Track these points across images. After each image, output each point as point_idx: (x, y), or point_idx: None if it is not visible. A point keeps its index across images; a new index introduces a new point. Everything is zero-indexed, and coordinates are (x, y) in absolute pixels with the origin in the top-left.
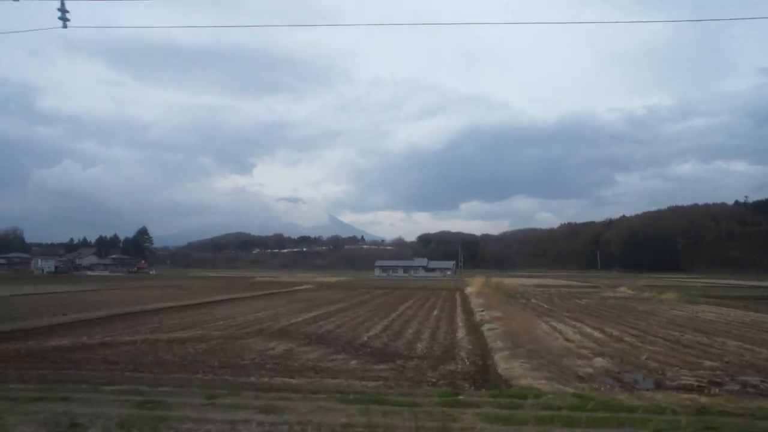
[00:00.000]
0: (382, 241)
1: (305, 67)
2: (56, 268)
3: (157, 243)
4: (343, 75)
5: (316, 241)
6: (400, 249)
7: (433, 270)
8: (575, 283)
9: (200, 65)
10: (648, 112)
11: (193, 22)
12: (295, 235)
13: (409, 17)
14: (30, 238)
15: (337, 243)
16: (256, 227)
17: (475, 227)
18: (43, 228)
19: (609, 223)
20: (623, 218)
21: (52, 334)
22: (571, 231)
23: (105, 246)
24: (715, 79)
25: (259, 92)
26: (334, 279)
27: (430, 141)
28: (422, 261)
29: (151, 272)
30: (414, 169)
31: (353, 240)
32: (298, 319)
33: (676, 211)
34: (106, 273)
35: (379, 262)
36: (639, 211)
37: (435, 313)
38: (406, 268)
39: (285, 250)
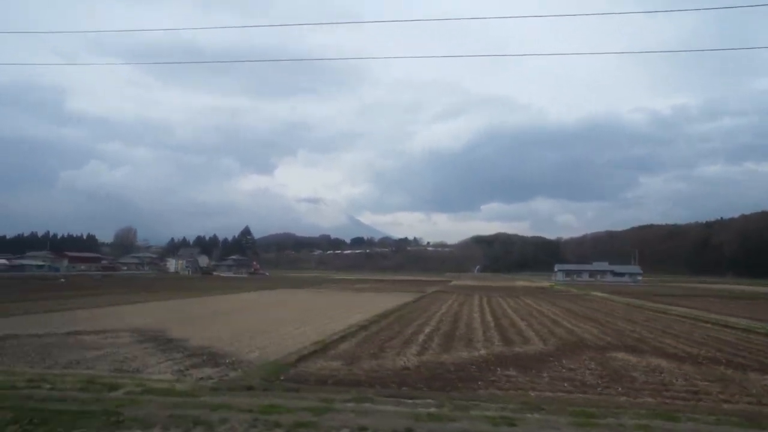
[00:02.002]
0: (442, 243)
1: (327, 70)
2: (202, 269)
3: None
4: (365, 77)
5: (370, 242)
6: (466, 252)
7: (621, 275)
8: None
9: (224, 67)
10: (674, 112)
11: (217, 25)
12: (314, 235)
13: (433, 18)
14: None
15: (398, 245)
16: (279, 227)
17: (495, 228)
18: (66, 227)
19: (710, 224)
20: (734, 219)
21: None
22: (665, 233)
23: (204, 246)
24: (745, 78)
25: (280, 94)
26: (473, 283)
27: (451, 142)
28: (603, 264)
29: (266, 273)
30: (434, 171)
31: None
32: None
33: None
34: (231, 274)
35: (560, 266)
36: (756, 209)
37: None
38: (592, 273)
39: (347, 252)
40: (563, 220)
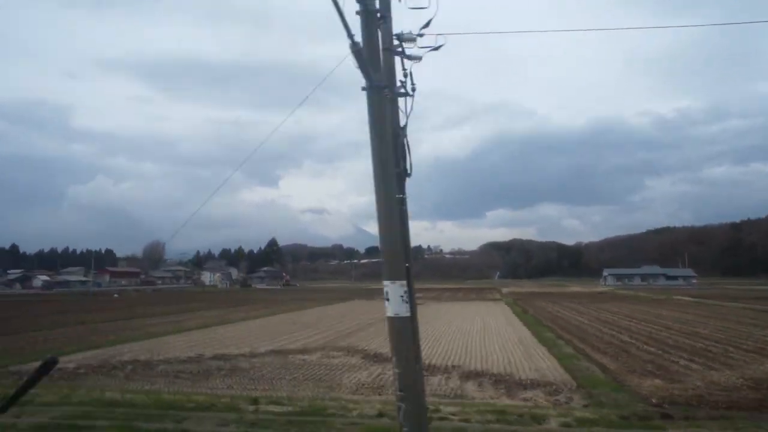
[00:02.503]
0: (459, 250)
1: (330, 80)
2: (239, 281)
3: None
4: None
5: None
6: (484, 259)
7: (675, 278)
8: None
9: (228, 81)
10: (679, 115)
11: (221, 40)
12: (319, 245)
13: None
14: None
15: (416, 253)
16: (287, 238)
17: (501, 235)
18: (74, 242)
19: (736, 226)
20: (761, 219)
21: None
22: (686, 235)
23: (230, 258)
24: (750, 81)
25: (285, 106)
26: (529, 290)
27: (456, 150)
28: (654, 268)
29: (297, 285)
30: (439, 179)
31: (423, 250)
32: None
33: None
34: (264, 286)
35: (609, 270)
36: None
37: None
38: (643, 277)
39: (364, 261)
40: (571, 224)
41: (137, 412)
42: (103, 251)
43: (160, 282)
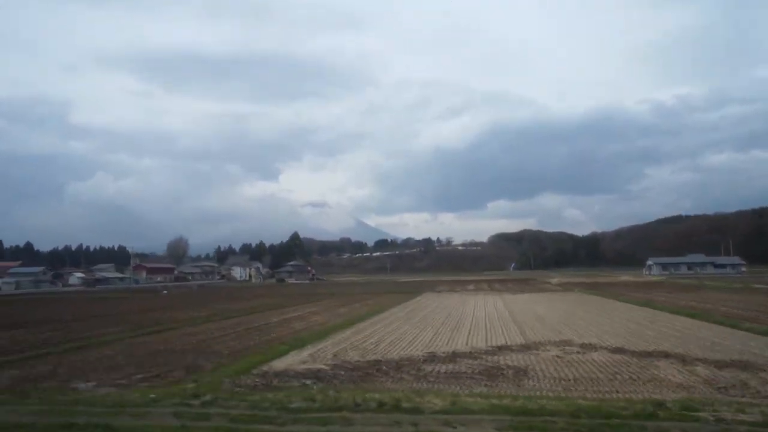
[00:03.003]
0: (472, 242)
1: (331, 72)
2: (274, 276)
3: (193, 251)
4: (368, 78)
5: (394, 244)
6: (497, 250)
7: (723, 266)
8: None
9: (228, 74)
10: (679, 101)
11: (221, 33)
12: (319, 238)
13: (436, 17)
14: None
15: (428, 245)
16: (287, 233)
17: (504, 226)
18: (78, 239)
19: (758, 212)
20: None
21: None
22: (707, 223)
23: (252, 253)
24: (749, 66)
25: (285, 98)
26: (576, 279)
27: (456, 141)
28: (699, 256)
29: (323, 279)
30: (440, 170)
31: (432, 242)
32: None
33: None
34: (293, 281)
35: (654, 260)
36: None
37: None
38: (690, 265)
39: (377, 254)
40: (573, 214)
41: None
42: (115, 248)
43: (190, 278)
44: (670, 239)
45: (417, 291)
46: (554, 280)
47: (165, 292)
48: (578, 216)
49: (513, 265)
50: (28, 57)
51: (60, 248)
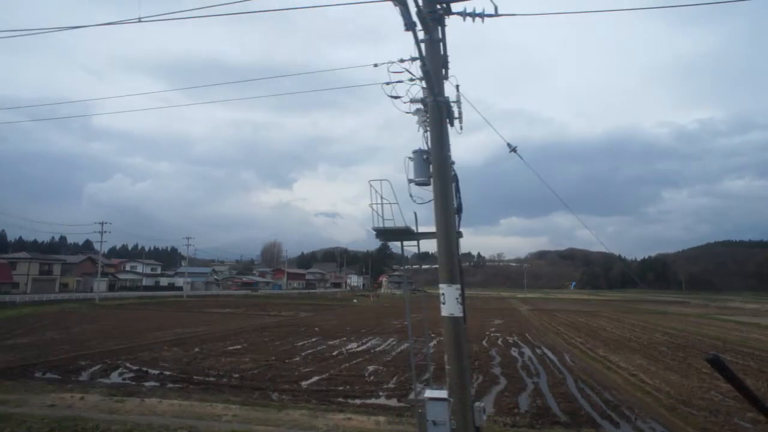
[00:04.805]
0: (518, 258)
1: (350, 83)
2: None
3: (208, 255)
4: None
5: (433, 256)
6: (542, 268)
7: None
8: None
9: (247, 83)
10: (700, 126)
11: (242, 43)
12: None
13: (454, 35)
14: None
15: (477, 260)
16: (295, 242)
17: (514, 243)
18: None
19: None
20: None
21: None
22: None
23: (332, 260)
24: None
25: (303, 109)
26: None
27: (471, 156)
28: None
29: (424, 291)
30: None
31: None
32: None
33: None
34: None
35: None
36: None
37: None
38: None
39: (426, 266)
40: (582, 235)
41: None
42: (168, 249)
43: (317, 285)
44: (751, 263)
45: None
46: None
47: (355, 301)
48: (590, 237)
49: (573, 284)
50: (56, 59)
51: (118, 247)
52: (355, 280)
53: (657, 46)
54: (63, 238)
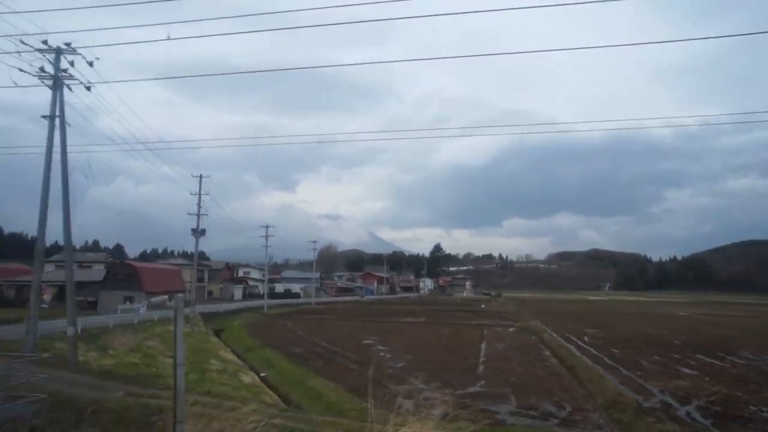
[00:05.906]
0: (549, 259)
1: (352, 86)
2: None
3: (214, 256)
4: (390, 93)
5: (455, 259)
6: (571, 269)
7: None
8: None
9: (251, 85)
10: (703, 125)
11: (245, 45)
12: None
13: (458, 37)
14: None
15: (504, 262)
16: (305, 243)
17: (515, 245)
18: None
19: None
20: None
21: None
22: None
23: (391, 264)
24: None
25: (306, 111)
26: None
27: (474, 158)
28: None
29: (492, 294)
30: (456, 186)
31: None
32: None
33: None
34: (450, 294)
35: None
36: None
37: None
38: None
39: (452, 269)
40: (585, 235)
41: None
42: (189, 252)
43: (399, 289)
44: None
45: None
46: None
47: (482, 306)
48: (593, 237)
49: (608, 285)
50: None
51: (149, 251)
52: (429, 284)
53: (659, 45)
54: (96, 242)
